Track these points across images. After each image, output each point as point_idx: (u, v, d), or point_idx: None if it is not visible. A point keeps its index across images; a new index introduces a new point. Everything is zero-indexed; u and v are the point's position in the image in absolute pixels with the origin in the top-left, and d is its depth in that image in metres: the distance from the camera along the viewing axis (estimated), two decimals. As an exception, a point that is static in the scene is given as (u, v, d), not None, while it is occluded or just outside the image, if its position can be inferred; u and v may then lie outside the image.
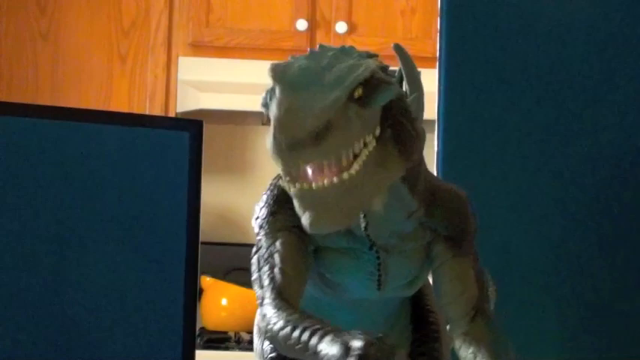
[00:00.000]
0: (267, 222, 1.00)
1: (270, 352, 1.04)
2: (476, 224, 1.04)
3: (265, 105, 0.91)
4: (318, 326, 0.89)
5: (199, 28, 3.36)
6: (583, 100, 1.51)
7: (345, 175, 0.86)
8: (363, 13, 3.40)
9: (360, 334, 0.85)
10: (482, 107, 1.51)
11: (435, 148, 1.47)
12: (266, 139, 0.86)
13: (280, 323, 0.92)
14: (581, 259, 1.49)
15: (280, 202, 1.00)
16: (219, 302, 3.19)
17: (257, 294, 0.98)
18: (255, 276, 0.99)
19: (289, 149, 0.83)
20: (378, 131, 0.90)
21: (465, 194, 1.04)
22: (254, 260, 1.00)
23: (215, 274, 3.25)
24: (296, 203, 0.87)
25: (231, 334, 3.27)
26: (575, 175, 1.49)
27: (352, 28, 3.38)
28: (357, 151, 0.87)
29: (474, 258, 1.04)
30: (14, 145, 1.40)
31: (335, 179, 0.85)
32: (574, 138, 1.50)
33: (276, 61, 0.90)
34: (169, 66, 3.36)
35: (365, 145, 0.88)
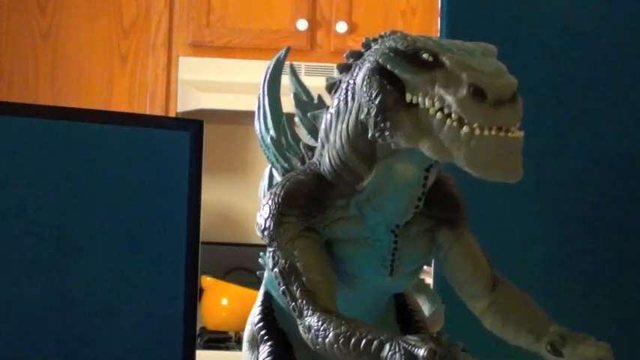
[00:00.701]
0: (277, 234, 0.99)
1: None
2: (465, 200, 1.06)
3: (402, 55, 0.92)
4: (370, 336, 0.89)
5: (200, 28, 3.36)
6: (584, 101, 1.51)
7: (523, 132, 0.90)
8: (363, 13, 3.40)
9: (416, 339, 0.86)
10: (483, 107, 1.50)
11: (435, 148, 1.47)
12: (449, 92, 0.87)
13: (331, 336, 0.92)
14: (581, 260, 1.49)
15: (284, 210, 0.99)
16: (219, 302, 3.19)
17: (290, 305, 0.98)
18: (282, 288, 0.99)
19: (494, 106, 0.87)
20: None
21: (449, 174, 1.06)
22: (276, 273, 0.99)
23: (215, 274, 3.25)
24: (479, 149, 0.88)
25: (232, 333, 3.27)
26: (575, 175, 1.49)
27: (352, 28, 3.38)
28: None
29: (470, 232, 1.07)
30: (14, 145, 1.40)
31: (519, 133, 0.90)
32: (575, 138, 1.50)
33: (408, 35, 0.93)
34: (170, 66, 3.36)
35: None
